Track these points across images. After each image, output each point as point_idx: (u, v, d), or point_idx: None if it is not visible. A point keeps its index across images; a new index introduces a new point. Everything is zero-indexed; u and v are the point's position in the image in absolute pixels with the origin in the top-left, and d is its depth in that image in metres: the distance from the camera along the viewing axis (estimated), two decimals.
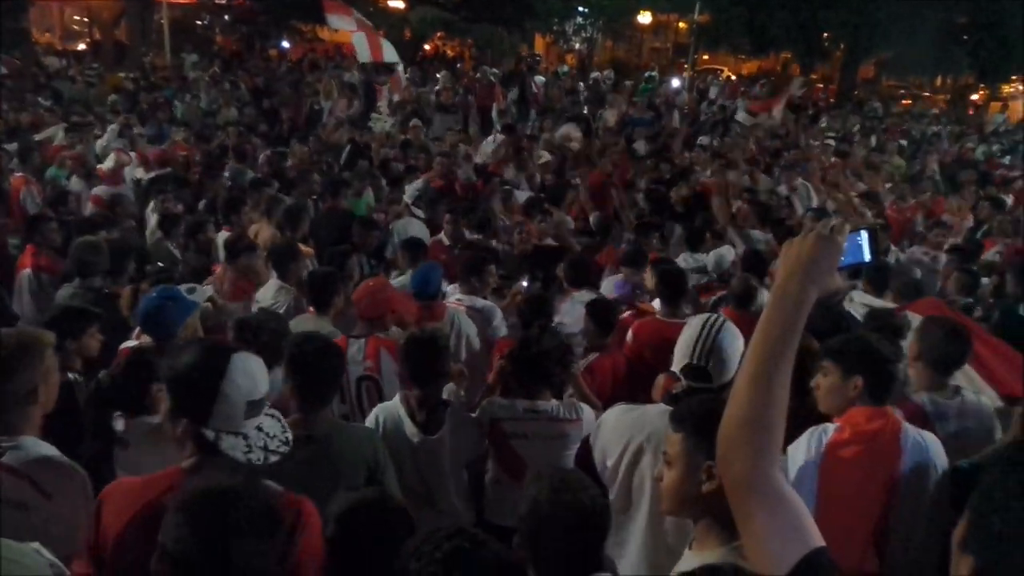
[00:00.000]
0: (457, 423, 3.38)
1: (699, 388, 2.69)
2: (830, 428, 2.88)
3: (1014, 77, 27.52)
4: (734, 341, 2.72)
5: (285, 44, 24.99)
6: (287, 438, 2.15)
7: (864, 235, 1.64)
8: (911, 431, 2.87)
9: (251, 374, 2.08)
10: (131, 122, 11.07)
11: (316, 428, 2.87)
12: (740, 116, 14.83)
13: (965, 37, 23.04)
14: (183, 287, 3.84)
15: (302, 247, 5.52)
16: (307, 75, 17.72)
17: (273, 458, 2.08)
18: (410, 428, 3.32)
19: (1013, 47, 22.48)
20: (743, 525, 1.41)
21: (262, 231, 6.58)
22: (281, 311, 4.66)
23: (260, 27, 24.70)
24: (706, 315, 2.88)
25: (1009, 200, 9.49)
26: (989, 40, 22.10)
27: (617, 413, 2.97)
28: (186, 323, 3.66)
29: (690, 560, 1.90)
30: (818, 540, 1.36)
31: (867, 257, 1.64)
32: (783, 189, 9.33)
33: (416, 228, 7.10)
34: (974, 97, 27.20)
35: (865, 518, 2.77)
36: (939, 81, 30.01)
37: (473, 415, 3.52)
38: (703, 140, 13.36)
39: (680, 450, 1.90)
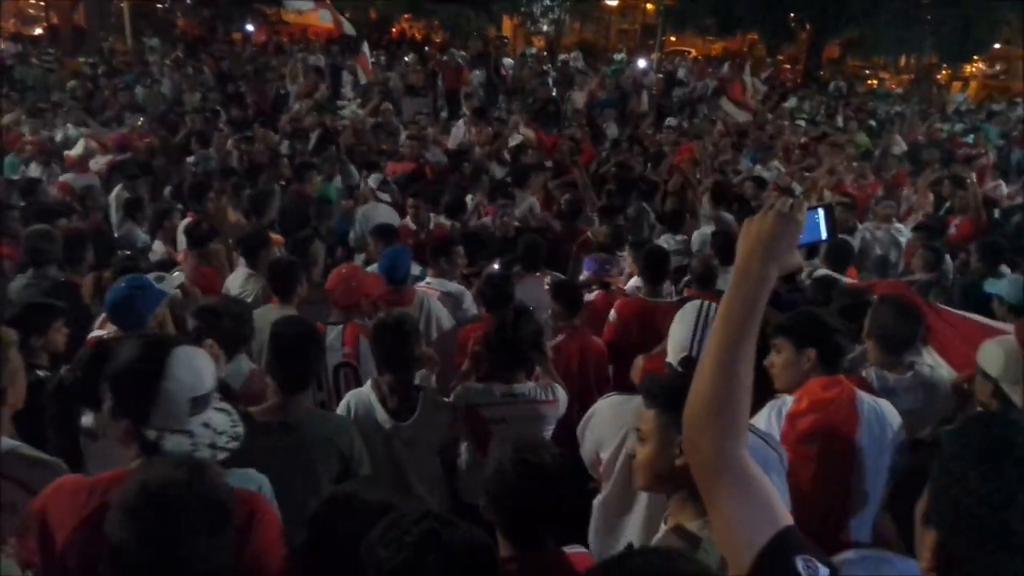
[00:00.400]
0: (429, 409, 3.37)
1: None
2: (788, 400, 2.93)
3: (975, 57, 27.97)
4: None
5: (249, 27, 24.58)
6: (237, 433, 2.09)
7: (821, 213, 1.65)
8: (865, 398, 2.94)
9: (194, 369, 2.01)
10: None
11: (292, 415, 2.85)
12: (723, 103, 14.91)
13: (928, 17, 23.29)
14: (151, 275, 3.78)
15: (272, 236, 5.47)
16: (273, 59, 17.43)
17: (221, 455, 2.02)
18: (382, 415, 3.30)
19: (975, 27, 22.81)
20: (711, 506, 1.40)
21: (229, 217, 6.51)
22: (250, 299, 4.62)
23: (222, 10, 24.27)
24: (696, 304, 2.84)
25: (973, 178, 9.63)
26: (951, 20, 22.37)
27: (611, 404, 2.91)
28: (155, 313, 3.62)
29: (664, 539, 1.92)
30: (787, 519, 1.35)
31: (824, 235, 1.65)
32: (759, 169, 9.40)
33: (383, 213, 7.05)
34: (937, 76, 27.55)
35: (827, 486, 2.81)
36: (903, 61, 30.31)
37: (446, 400, 3.52)
38: (671, 121, 13.40)
39: (654, 426, 1.92)
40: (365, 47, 15.20)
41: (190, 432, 2.00)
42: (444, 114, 13.24)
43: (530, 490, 2.11)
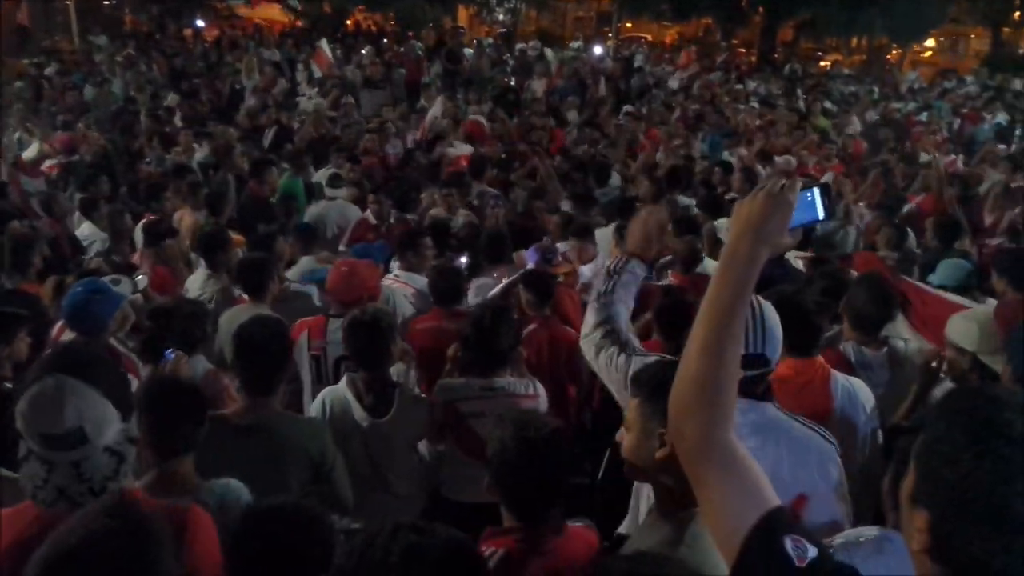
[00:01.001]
0: (406, 404, 3.33)
1: (757, 375, 2.41)
2: None
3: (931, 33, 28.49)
4: (777, 319, 2.47)
5: (200, 23, 24.11)
6: (106, 486, 1.92)
7: (816, 192, 1.60)
8: (840, 378, 2.95)
9: (42, 407, 1.87)
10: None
11: (261, 418, 2.78)
12: (673, 83, 14.96)
13: None
14: (107, 279, 3.70)
15: (233, 235, 5.37)
16: (227, 54, 17.11)
17: (62, 505, 1.88)
18: (358, 411, 3.25)
19: (924, 7, 23.18)
20: (699, 491, 1.39)
21: (185, 217, 6.38)
22: (209, 302, 4.54)
23: (171, 6, 23.77)
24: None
25: (936, 156, 9.81)
26: (900, 0, 22.71)
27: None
28: (115, 316, 3.53)
29: (648, 530, 1.90)
30: (774, 500, 1.34)
31: (821, 215, 1.60)
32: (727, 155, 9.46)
33: (337, 209, 6.97)
34: (889, 56, 27.98)
35: None
36: (854, 42, 30.72)
37: (423, 395, 3.47)
38: (628, 108, 13.44)
39: (636, 415, 1.89)
40: (324, 43, 14.99)
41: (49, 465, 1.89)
42: (401, 105, 13.10)
43: (531, 466, 2.14)
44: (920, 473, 1.22)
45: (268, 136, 10.31)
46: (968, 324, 3.07)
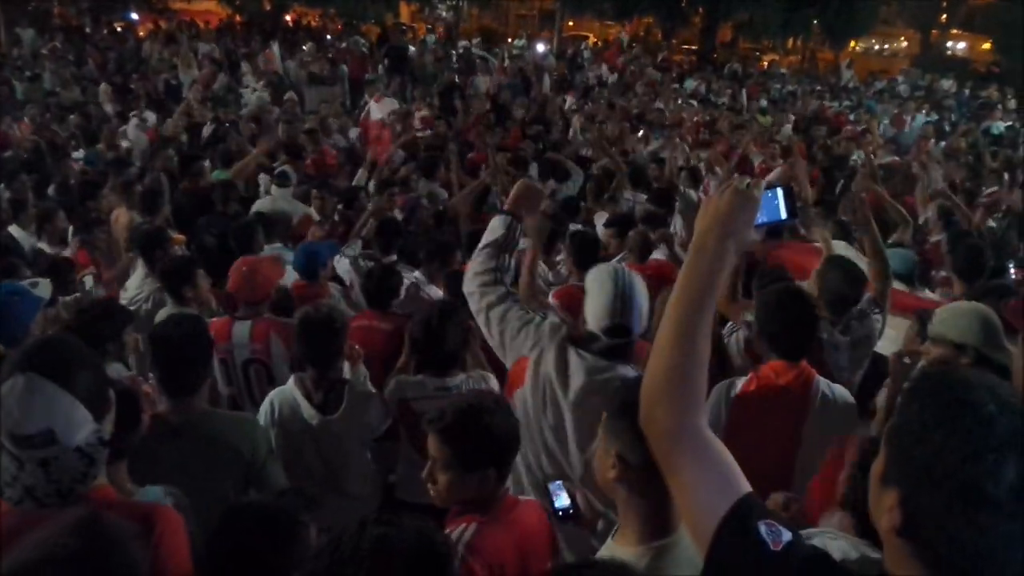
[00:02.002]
0: (356, 401, 3.27)
1: (618, 344, 2.69)
2: (739, 381, 2.94)
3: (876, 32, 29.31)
4: (643, 290, 2.75)
5: (134, 16, 23.43)
6: (74, 488, 1.88)
7: (780, 192, 1.63)
8: (822, 384, 2.94)
9: (10, 407, 1.80)
10: None
11: (184, 418, 2.68)
12: (612, 80, 15.08)
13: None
14: (26, 282, 3.56)
15: (173, 235, 5.22)
16: (163, 48, 16.65)
17: (28, 504, 1.83)
18: (308, 410, 3.19)
19: (857, 9, 23.87)
20: (672, 479, 1.41)
21: (121, 216, 6.18)
22: (147, 303, 4.40)
23: None
24: (610, 269, 2.80)
25: (863, 154, 10.08)
26: (835, 2, 23.32)
27: None
28: (36, 319, 3.39)
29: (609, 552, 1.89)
30: (746, 486, 1.36)
31: (784, 215, 1.64)
32: (666, 153, 9.54)
33: (278, 206, 6.82)
34: (825, 57, 28.68)
35: (768, 468, 2.77)
36: (791, 43, 31.43)
37: (373, 391, 3.43)
38: (571, 104, 13.52)
39: (600, 435, 1.89)
40: (275, 46, 14.77)
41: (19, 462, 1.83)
42: (347, 102, 12.97)
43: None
44: (890, 453, 1.24)
45: (206, 133, 10.07)
46: (966, 319, 3.00)
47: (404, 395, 3.37)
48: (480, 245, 2.91)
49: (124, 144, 9.28)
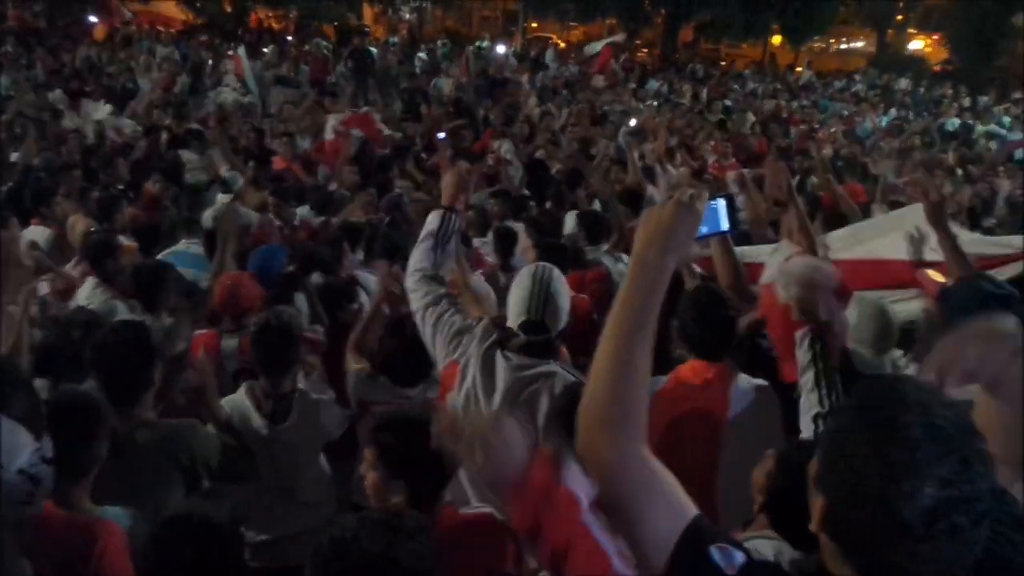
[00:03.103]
0: (307, 409, 3.25)
1: (537, 341, 2.72)
2: (660, 380, 2.93)
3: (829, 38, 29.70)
4: (563, 289, 2.80)
5: (92, 19, 23.02)
6: (21, 513, 1.88)
7: (721, 203, 1.63)
8: (743, 382, 2.96)
9: None
10: None
11: (124, 431, 2.63)
12: (595, 82, 15.16)
13: (772, 1, 24.53)
14: None
15: (126, 243, 5.15)
16: (120, 51, 16.38)
17: None
18: (257, 420, 3.17)
19: (815, 10, 24.24)
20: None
21: (77, 223, 6.07)
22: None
23: (60, 1, 22.59)
24: (532, 268, 2.86)
25: (818, 151, 10.23)
26: (794, 3, 23.66)
27: None
28: None
29: None
30: (692, 508, 1.34)
31: (724, 226, 1.65)
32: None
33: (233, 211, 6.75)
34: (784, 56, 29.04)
35: (690, 471, 2.80)
36: (746, 48, 31.72)
37: (326, 398, 3.41)
38: (533, 103, 13.57)
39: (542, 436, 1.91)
40: (242, 50, 14.62)
41: None
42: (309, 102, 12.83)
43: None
44: (822, 460, 1.26)
45: (163, 139, 9.90)
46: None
47: (364, 396, 3.36)
48: (419, 240, 2.94)
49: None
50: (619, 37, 16.54)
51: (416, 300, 2.87)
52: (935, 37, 31.27)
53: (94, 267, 4.64)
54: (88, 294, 4.52)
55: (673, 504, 1.33)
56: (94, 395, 2.57)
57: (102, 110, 10.31)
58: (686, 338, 3.02)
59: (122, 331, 2.85)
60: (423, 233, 2.94)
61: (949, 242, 3.37)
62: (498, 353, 2.70)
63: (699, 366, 2.96)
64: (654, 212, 1.47)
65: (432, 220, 2.94)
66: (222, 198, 6.82)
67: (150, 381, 2.80)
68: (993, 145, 13.35)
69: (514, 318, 2.76)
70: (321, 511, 3.33)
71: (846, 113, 15.52)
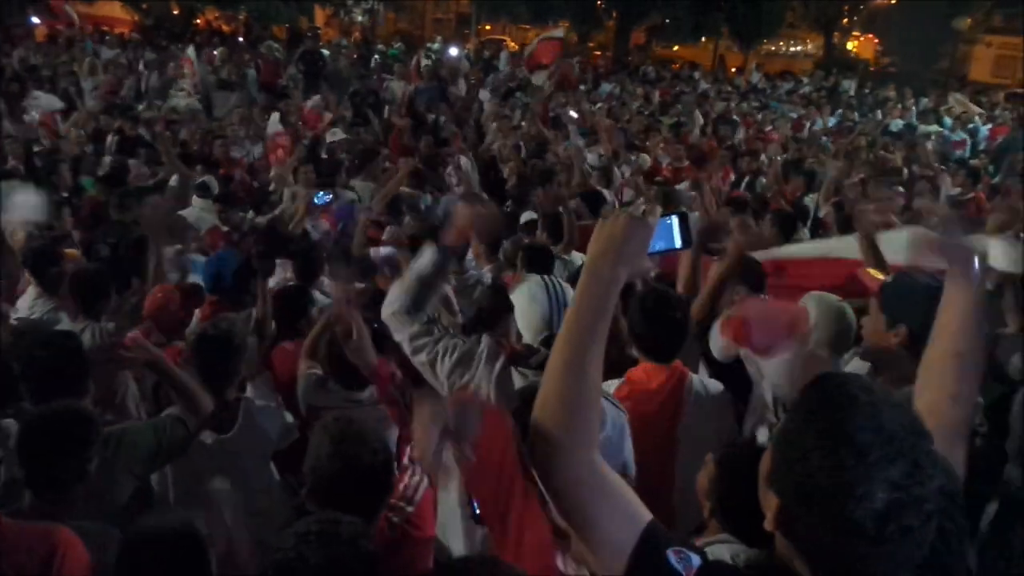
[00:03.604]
0: (252, 417, 3.21)
1: None
2: (613, 384, 2.94)
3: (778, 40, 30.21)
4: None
5: (35, 20, 22.42)
6: None
7: (675, 220, 1.62)
8: (696, 383, 2.99)
9: None
10: None
11: None
12: (536, 80, 15.18)
13: (722, 2, 24.92)
14: None
15: (68, 250, 5.02)
16: (63, 54, 15.97)
17: None
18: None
19: (764, 12, 24.67)
20: (573, 518, 1.36)
21: (17, 232, 5.90)
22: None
23: (3, 2, 21.97)
24: (540, 282, 2.80)
25: (769, 153, 10.41)
26: (743, 6, 24.06)
27: None
28: None
29: None
30: (646, 513, 1.35)
31: (678, 243, 1.63)
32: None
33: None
34: (733, 58, 29.50)
35: (647, 474, 2.76)
36: (701, 46, 32.18)
37: (273, 405, 3.37)
38: (487, 103, 13.57)
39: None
40: (191, 50, 14.35)
41: None
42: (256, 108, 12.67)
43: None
44: (774, 458, 1.28)
45: (111, 143, 9.69)
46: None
47: (312, 402, 3.32)
48: (404, 276, 2.75)
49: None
50: (557, 32, 16.50)
51: (399, 333, 2.72)
52: (870, 38, 32.14)
53: (35, 276, 4.53)
54: (31, 303, 4.42)
55: (627, 510, 1.34)
56: (86, 409, 2.53)
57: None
58: (637, 340, 3.03)
59: (49, 344, 2.78)
60: (411, 269, 2.72)
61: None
62: (514, 372, 2.65)
63: (651, 368, 2.97)
64: (607, 225, 1.48)
65: (424, 259, 2.68)
66: (198, 202, 6.73)
67: (83, 390, 2.75)
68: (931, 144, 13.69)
69: (534, 334, 2.73)
70: (273, 520, 3.29)
71: (795, 116, 15.79)
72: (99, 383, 3.36)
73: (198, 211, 6.65)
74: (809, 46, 35.29)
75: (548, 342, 2.68)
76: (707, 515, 2.18)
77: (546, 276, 2.90)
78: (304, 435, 3.37)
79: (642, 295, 3.10)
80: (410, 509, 2.70)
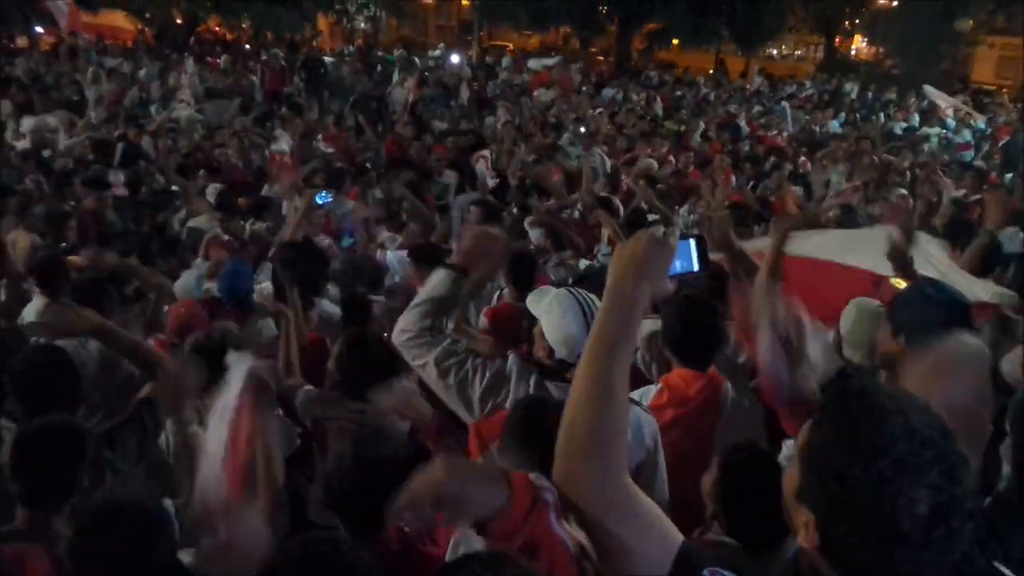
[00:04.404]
0: None
1: None
2: (652, 390, 2.91)
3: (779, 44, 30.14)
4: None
5: (39, 29, 22.53)
6: None
7: (693, 244, 1.62)
8: (730, 390, 2.97)
9: None
10: None
11: None
12: (538, 92, 15.26)
13: (722, 7, 24.93)
14: None
15: (72, 259, 5.04)
16: (66, 63, 16.04)
17: None
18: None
19: (765, 16, 24.67)
20: (604, 545, 1.34)
21: (19, 240, 5.92)
22: None
23: (4, 12, 22.07)
24: (567, 294, 2.66)
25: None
26: (742, 10, 24.07)
27: None
28: None
29: None
30: (678, 534, 1.34)
31: (696, 266, 1.62)
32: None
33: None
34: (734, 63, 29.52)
35: (685, 481, 2.71)
36: (689, 64, 32.11)
37: (279, 414, 3.36)
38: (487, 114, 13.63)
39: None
40: (189, 62, 14.43)
41: None
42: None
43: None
44: (804, 473, 1.25)
45: (117, 153, 9.72)
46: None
47: (317, 414, 3.31)
48: (415, 301, 2.62)
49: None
50: (556, 60, 16.68)
51: (420, 359, 2.58)
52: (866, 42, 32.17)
53: (41, 286, 4.54)
54: (36, 314, 4.42)
55: (660, 533, 1.33)
56: (75, 423, 2.53)
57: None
58: (672, 345, 2.99)
59: (37, 355, 2.78)
60: (422, 295, 2.61)
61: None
62: (550, 386, 2.55)
63: (688, 375, 2.93)
64: (628, 245, 1.48)
65: (437, 284, 2.58)
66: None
67: (73, 403, 2.74)
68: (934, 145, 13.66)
69: (570, 348, 2.56)
70: (277, 530, 3.28)
71: (806, 117, 15.80)
72: (107, 392, 3.37)
73: (207, 219, 6.69)
74: (810, 48, 35.32)
75: None
76: (708, 516, 2.19)
77: (579, 290, 2.73)
78: (306, 446, 3.40)
79: (678, 301, 3.01)
80: None
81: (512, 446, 1.98)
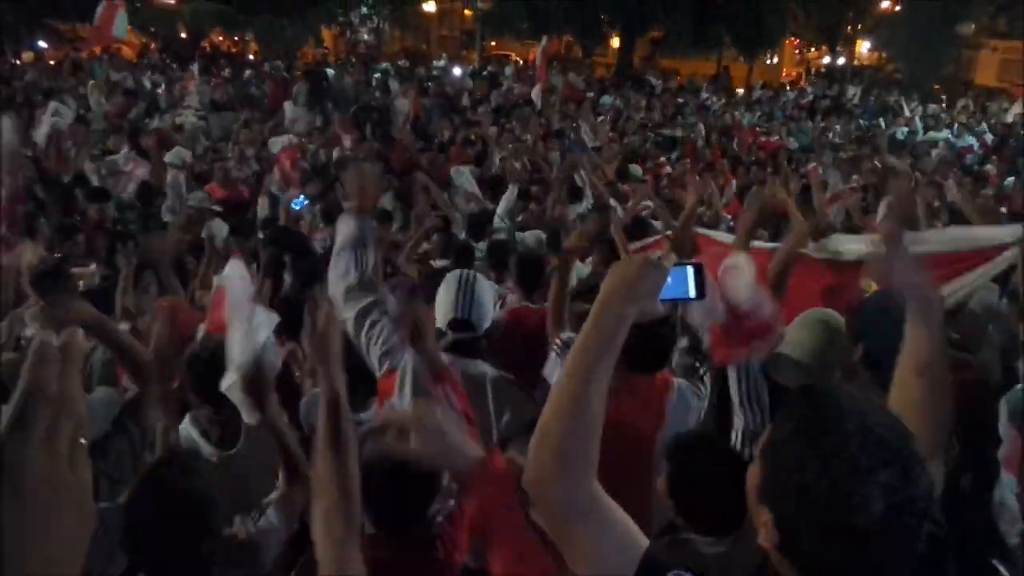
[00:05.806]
0: (255, 434, 3.21)
1: (464, 339, 3.05)
2: None
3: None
4: (487, 292, 3.12)
5: (42, 44, 22.70)
6: None
7: (690, 271, 1.60)
8: (680, 388, 2.97)
9: None
10: None
11: None
12: (534, 95, 15.27)
13: (724, 14, 24.95)
14: None
15: (78, 269, 5.08)
16: (71, 78, 16.15)
17: None
18: (206, 448, 3.13)
19: (766, 23, 24.70)
20: (570, 549, 1.37)
21: (27, 251, 5.97)
22: None
23: (7, 27, 22.24)
24: (456, 272, 3.13)
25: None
26: (744, 16, 24.10)
27: None
28: None
29: None
30: (644, 538, 1.37)
31: (692, 293, 1.61)
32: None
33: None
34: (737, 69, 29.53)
35: (626, 484, 2.75)
36: (689, 71, 32.14)
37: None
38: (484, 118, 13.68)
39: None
40: (194, 68, 14.52)
41: None
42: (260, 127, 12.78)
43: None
44: (765, 471, 1.29)
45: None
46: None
47: (315, 420, 3.33)
48: (336, 248, 2.84)
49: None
50: (544, 43, 16.58)
51: (347, 310, 2.79)
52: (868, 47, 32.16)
53: (43, 297, 4.57)
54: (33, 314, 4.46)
55: (625, 536, 1.35)
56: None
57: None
58: (623, 353, 2.99)
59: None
60: (340, 241, 2.80)
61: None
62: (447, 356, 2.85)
63: (630, 378, 2.89)
64: (621, 264, 1.52)
65: (347, 227, 2.79)
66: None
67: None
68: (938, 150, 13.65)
69: (442, 318, 3.00)
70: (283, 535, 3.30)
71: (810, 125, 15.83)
72: None
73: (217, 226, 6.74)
74: (812, 53, 35.30)
75: (452, 324, 3.05)
76: (673, 514, 2.23)
77: (469, 271, 3.26)
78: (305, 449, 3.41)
79: None
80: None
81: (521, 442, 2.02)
